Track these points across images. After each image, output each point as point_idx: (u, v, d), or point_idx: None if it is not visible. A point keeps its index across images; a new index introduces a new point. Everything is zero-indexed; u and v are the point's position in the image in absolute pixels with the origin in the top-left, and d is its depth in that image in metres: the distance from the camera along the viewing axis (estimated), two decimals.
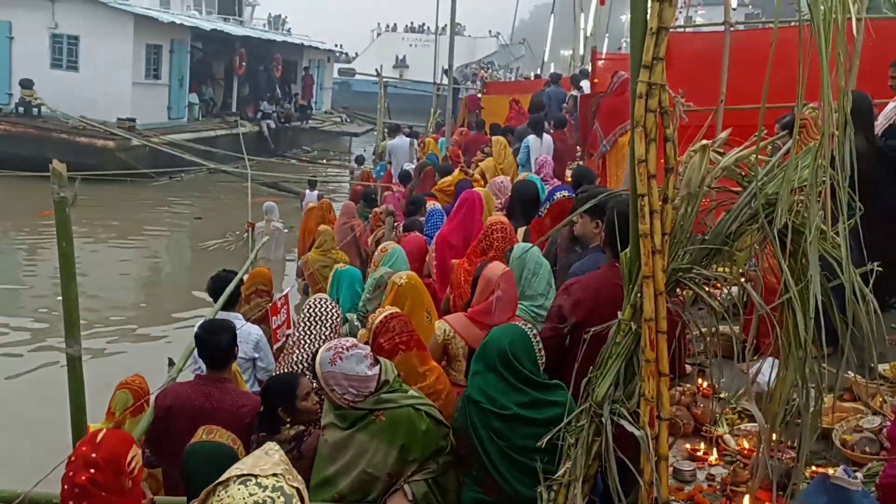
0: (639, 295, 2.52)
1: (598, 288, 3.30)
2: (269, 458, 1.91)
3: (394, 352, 3.55)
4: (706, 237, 2.61)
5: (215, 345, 3.99)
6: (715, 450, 3.94)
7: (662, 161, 2.48)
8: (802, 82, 2.23)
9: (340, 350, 3.22)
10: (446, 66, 13.91)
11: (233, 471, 1.89)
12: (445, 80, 17.92)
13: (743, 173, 2.66)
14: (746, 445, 3.88)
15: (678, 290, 2.66)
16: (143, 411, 4.22)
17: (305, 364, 3.84)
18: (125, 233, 15.67)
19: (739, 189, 2.72)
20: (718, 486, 3.55)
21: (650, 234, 2.45)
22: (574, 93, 14.51)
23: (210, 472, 2.13)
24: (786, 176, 2.36)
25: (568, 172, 10.60)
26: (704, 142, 2.54)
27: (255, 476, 1.85)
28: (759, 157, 2.59)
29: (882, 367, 4.29)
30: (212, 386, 3.93)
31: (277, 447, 1.94)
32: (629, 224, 2.69)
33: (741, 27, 10.75)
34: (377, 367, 3.25)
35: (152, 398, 4.04)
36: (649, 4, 2.41)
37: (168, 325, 10.62)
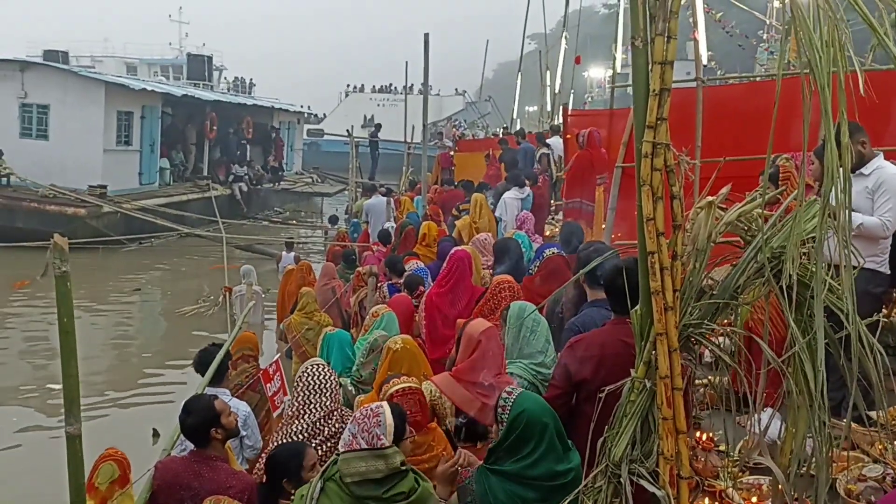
0: (652, 352, 2.51)
1: (602, 344, 3.30)
2: None
3: None
4: (714, 292, 2.62)
5: (190, 424, 3.99)
6: None
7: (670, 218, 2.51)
8: (807, 133, 2.27)
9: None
10: (415, 125, 13.99)
11: None
12: (416, 139, 18.14)
13: (745, 227, 2.70)
14: (754, 500, 3.85)
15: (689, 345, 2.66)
16: (127, 483, 4.13)
17: (306, 434, 3.78)
18: (98, 301, 15.41)
19: (739, 241, 2.77)
20: None
21: (662, 291, 2.46)
22: (544, 150, 14.73)
23: None
24: (793, 230, 2.39)
25: (546, 228, 10.72)
26: (710, 198, 2.58)
27: None
28: (762, 211, 2.63)
29: (874, 414, 4.32)
30: (203, 464, 3.88)
31: None
32: (628, 280, 2.71)
33: (717, 83, 11.05)
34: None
35: (147, 470, 3.94)
36: (650, 66, 2.46)
37: (146, 394, 10.39)
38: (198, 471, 3.82)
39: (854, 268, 2.48)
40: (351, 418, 3.08)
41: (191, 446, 4.05)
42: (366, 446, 2.92)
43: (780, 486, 2.82)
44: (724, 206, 2.75)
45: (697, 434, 4.60)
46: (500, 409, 3.06)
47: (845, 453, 4.09)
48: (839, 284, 2.55)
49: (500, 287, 4.91)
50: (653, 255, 2.46)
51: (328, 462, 3.08)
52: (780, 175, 4.85)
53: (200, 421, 3.93)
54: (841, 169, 2.24)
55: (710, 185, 2.66)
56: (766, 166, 2.54)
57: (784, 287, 2.47)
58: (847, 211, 2.26)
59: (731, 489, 4.06)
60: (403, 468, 2.95)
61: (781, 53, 2.56)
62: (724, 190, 2.75)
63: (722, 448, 4.46)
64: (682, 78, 8.15)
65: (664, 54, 2.40)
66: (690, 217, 2.61)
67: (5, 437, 8.78)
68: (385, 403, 3.11)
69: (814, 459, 2.69)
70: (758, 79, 11.68)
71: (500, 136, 21.56)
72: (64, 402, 2.82)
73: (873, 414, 3.55)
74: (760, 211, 2.61)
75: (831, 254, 2.43)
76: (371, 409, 3.03)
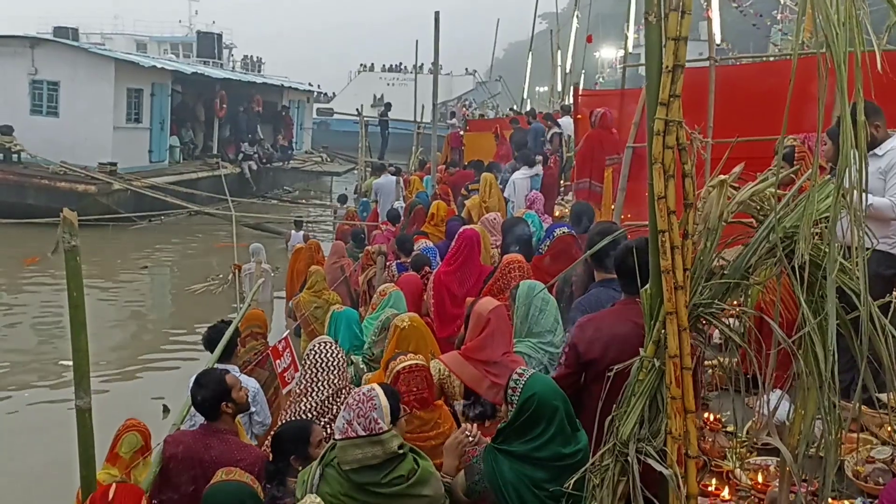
0: (662, 331, 2.50)
1: (612, 324, 3.28)
2: None
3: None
4: (725, 271, 2.60)
5: (201, 398, 4.03)
6: (727, 485, 3.91)
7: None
8: (822, 114, 2.24)
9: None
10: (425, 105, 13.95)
11: None
12: (426, 119, 18.09)
13: (757, 207, 2.67)
14: (760, 479, 3.85)
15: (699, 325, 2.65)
16: (148, 452, 4.19)
17: (315, 412, 3.79)
18: (108, 278, 15.49)
19: (751, 221, 2.74)
20: None
21: (672, 269, 2.44)
22: (556, 129, 14.66)
23: None
24: (806, 210, 2.37)
25: (556, 208, 10.69)
26: (722, 177, 2.56)
27: None
28: (776, 190, 2.60)
29: (884, 396, 4.30)
30: (212, 437, 3.92)
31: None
32: (639, 260, 2.69)
33: (730, 62, 10.94)
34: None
35: (156, 445, 3.99)
36: (664, 42, 2.43)
37: (155, 370, 10.46)
38: (208, 444, 3.86)
39: (867, 249, 2.45)
40: (344, 405, 3.01)
41: (201, 421, 4.09)
42: (363, 432, 2.84)
43: (787, 467, 2.82)
44: (736, 185, 2.72)
45: (706, 415, 4.60)
46: (510, 391, 3.05)
47: (854, 435, 4.09)
48: (851, 265, 2.53)
49: (510, 266, 4.91)
50: (664, 233, 2.44)
51: (326, 448, 3.03)
52: (795, 155, 4.81)
53: (211, 394, 3.97)
54: (856, 149, 2.21)
55: (723, 165, 2.63)
56: (780, 146, 2.51)
57: (796, 267, 2.45)
58: (860, 191, 2.23)
59: (738, 469, 4.06)
60: (401, 451, 2.89)
61: (797, 32, 2.52)
62: (737, 169, 2.73)
63: (730, 429, 4.47)
64: (694, 58, 8.07)
65: (678, 30, 2.37)
66: (702, 196, 2.59)
67: (18, 410, 8.88)
68: (377, 386, 3.04)
69: (822, 441, 2.68)
70: (771, 58, 11.56)
71: (512, 116, 21.45)
72: (74, 377, 2.84)
73: (883, 396, 3.54)
74: (773, 190, 2.58)
75: (844, 235, 2.41)
76: (364, 394, 2.94)
